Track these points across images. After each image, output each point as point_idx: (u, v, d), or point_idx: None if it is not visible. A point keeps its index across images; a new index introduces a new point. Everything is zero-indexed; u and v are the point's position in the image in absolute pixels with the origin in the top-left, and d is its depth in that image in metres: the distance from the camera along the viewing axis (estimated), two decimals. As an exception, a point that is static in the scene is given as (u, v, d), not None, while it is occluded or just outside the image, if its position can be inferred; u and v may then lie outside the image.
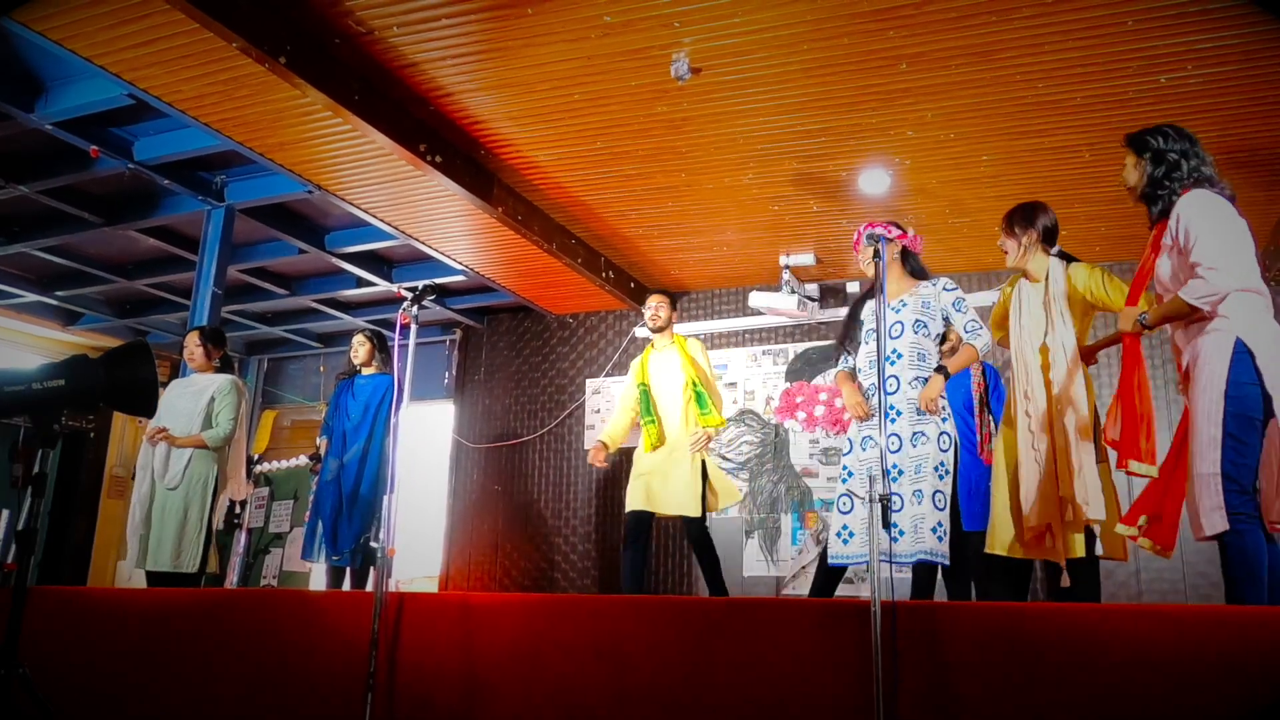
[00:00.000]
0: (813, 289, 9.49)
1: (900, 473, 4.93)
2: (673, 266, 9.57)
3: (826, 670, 3.78)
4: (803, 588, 9.02)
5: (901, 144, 6.88)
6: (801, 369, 9.64)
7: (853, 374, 5.33)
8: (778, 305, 9.11)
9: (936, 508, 4.85)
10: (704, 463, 6.81)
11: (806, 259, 8.95)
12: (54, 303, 11.07)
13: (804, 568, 9.08)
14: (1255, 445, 3.99)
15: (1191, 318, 4.12)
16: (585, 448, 9.98)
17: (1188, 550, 7.96)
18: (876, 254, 4.23)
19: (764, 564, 9.27)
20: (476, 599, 4.68)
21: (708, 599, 4.54)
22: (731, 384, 9.90)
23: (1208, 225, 4.05)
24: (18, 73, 6.62)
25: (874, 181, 7.40)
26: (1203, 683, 3.34)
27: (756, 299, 9.20)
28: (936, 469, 4.90)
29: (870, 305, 5.17)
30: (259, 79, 6.02)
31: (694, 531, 6.75)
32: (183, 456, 6.81)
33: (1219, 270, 3.94)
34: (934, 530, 4.83)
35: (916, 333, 5.07)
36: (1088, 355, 4.99)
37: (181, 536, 6.67)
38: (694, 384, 6.85)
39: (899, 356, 5.06)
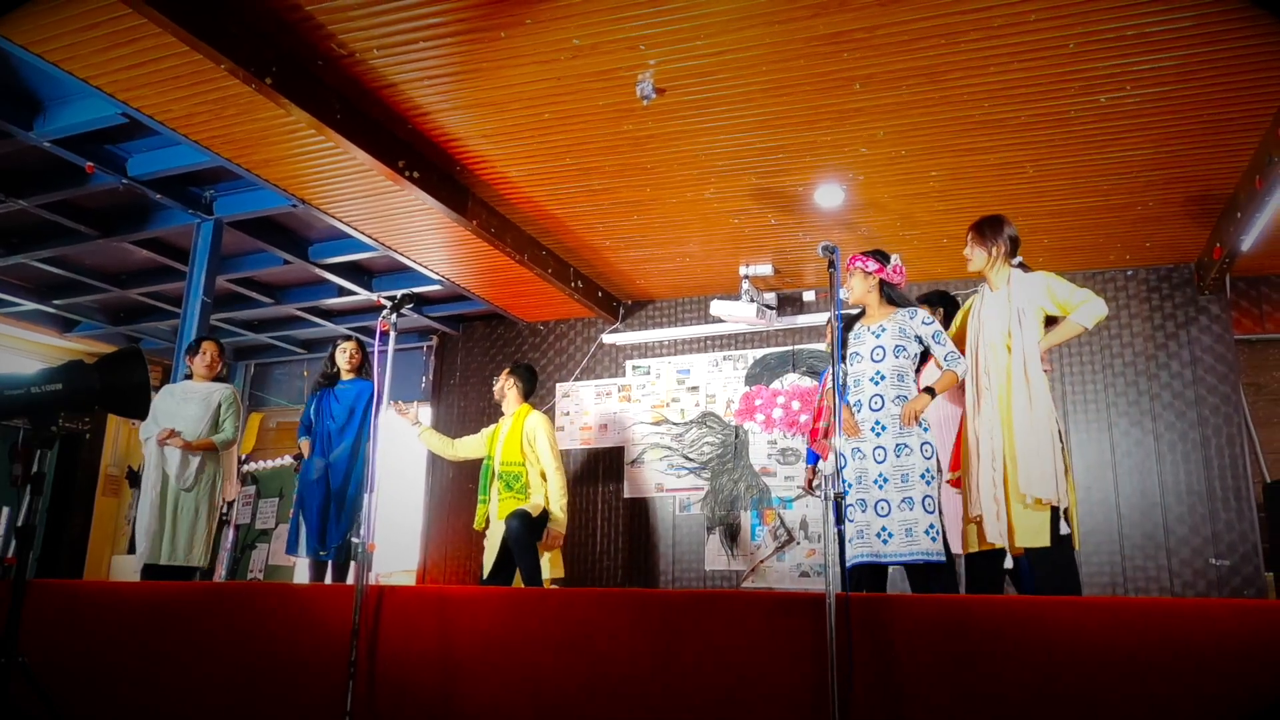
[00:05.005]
0: (771, 298, 9.51)
1: (886, 480, 5.05)
2: (638, 276, 9.59)
3: (784, 659, 3.80)
4: (761, 581, 9.06)
5: (855, 160, 6.91)
6: (760, 374, 9.67)
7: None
8: (738, 313, 9.12)
9: (927, 511, 4.97)
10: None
11: (765, 269, 8.98)
12: (51, 311, 11.03)
13: (762, 562, 9.11)
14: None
15: None
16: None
17: (1128, 545, 8.05)
18: (831, 264, 4.27)
19: (725, 558, 9.29)
20: (452, 592, 4.68)
21: (671, 591, 4.54)
22: (694, 388, 9.92)
23: None
24: (17, 93, 6.58)
25: (829, 196, 7.42)
26: (1140, 672, 3.37)
27: (717, 307, 9.21)
28: (923, 475, 5.02)
29: (855, 329, 5.39)
30: (246, 98, 6.01)
31: (517, 522, 6.80)
32: (196, 458, 6.94)
33: None
34: (927, 532, 4.96)
35: (897, 356, 5.19)
36: (1042, 357, 5.10)
37: (194, 532, 6.86)
38: (508, 467, 7.06)
39: (882, 378, 5.18)
